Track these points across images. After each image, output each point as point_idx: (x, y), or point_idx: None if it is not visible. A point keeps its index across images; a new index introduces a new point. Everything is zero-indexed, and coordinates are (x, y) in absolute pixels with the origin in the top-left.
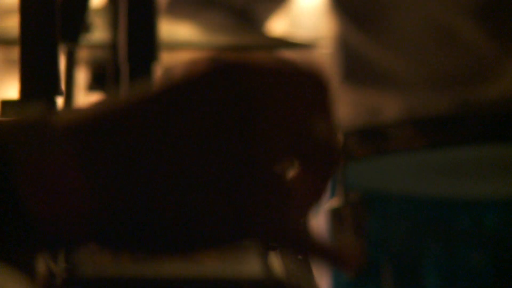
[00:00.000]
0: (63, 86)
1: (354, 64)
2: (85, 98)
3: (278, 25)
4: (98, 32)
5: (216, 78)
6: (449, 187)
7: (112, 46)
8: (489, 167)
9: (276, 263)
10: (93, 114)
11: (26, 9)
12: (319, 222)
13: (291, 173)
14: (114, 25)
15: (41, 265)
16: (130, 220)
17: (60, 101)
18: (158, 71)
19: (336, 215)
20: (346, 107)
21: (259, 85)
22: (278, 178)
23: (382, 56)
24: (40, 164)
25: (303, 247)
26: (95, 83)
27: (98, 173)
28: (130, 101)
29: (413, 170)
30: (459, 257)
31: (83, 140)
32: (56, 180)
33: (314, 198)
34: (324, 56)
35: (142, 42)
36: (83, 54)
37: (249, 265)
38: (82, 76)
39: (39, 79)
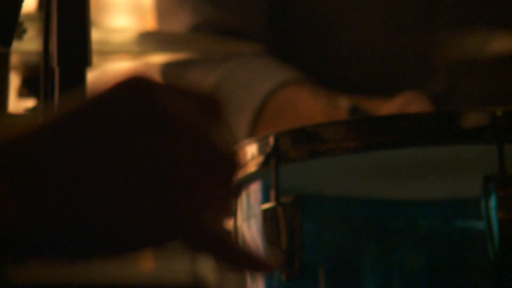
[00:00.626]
0: None
1: None
2: (17, 103)
3: None
4: (30, 38)
5: (126, 94)
6: (384, 188)
7: (44, 51)
8: (423, 168)
9: (206, 266)
10: (16, 135)
11: None
12: (253, 225)
13: (200, 180)
14: (46, 30)
15: None
16: (58, 229)
17: None
18: (90, 76)
19: (269, 218)
20: None
21: (162, 100)
22: (189, 183)
23: None
24: None
25: (221, 251)
26: (26, 89)
27: (25, 189)
28: (49, 120)
29: (347, 171)
30: (395, 257)
31: (8, 161)
32: None
33: (222, 204)
34: None
35: (74, 48)
36: (14, 59)
37: (177, 268)
38: (13, 82)
39: None
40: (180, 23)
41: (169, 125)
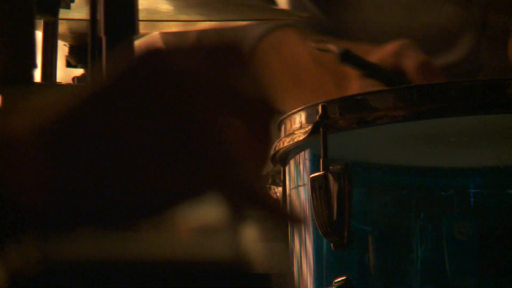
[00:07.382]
0: (40, 60)
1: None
2: (64, 72)
3: None
4: (77, 6)
5: (144, 64)
6: (433, 156)
7: (92, 20)
8: (473, 137)
9: (249, 240)
10: (52, 115)
11: None
12: (302, 194)
13: (236, 132)
14: None
15: (12, 246)
16: (101, 196)
17: (38, 75)
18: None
19: (318, 187)
20: None
21: (182, 64)
22: (223, 136)
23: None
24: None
25: (260, 203)
26: (74, 58)
27: (62, 161)
28: (81, 97)
29: (396, 140)
30: (444, 226)
31: (47, 138)
32: (26, 171)
33: (260, 152)
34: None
35: (121, 16)
36: (61, 28)
37: (218, 242)
38: (61, 51)
39: (15, 52)
40: None
41: (187, 84)
